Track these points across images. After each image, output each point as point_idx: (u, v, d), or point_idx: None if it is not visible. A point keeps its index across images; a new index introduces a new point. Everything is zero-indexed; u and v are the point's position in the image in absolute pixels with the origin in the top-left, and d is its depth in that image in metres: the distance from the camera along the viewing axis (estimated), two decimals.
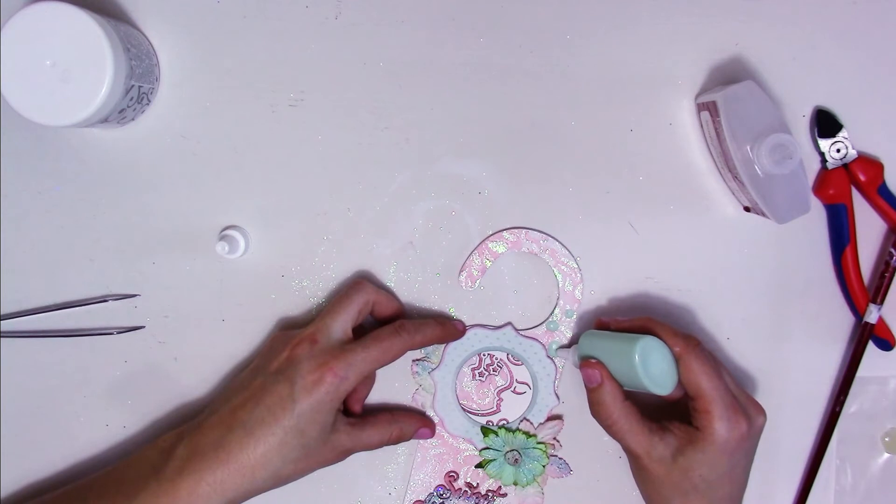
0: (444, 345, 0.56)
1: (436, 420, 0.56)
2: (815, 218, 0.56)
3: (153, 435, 0.56)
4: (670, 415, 0.51)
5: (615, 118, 0.56)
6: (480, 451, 0.56)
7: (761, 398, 0.53)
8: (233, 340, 0.56)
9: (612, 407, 0.50)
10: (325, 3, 0.55)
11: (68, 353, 0.56)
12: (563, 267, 0.56)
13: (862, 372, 0.56)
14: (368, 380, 0.55)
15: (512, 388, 0.57)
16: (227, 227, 0.55)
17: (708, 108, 0.53)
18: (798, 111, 0.56)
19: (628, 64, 0.56)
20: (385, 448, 0.55)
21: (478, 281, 0.56)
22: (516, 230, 0.56)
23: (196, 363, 0.56)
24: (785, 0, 0.56)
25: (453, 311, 0.57)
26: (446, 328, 0.54)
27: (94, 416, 0.56)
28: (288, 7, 0.55)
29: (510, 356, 0.57)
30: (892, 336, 0.56)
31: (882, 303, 0.55)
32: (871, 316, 0.55)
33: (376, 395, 0.53)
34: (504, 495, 0.57)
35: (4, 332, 0.56)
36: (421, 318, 0.56)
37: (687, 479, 0.49)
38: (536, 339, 0.56)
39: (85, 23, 0.48)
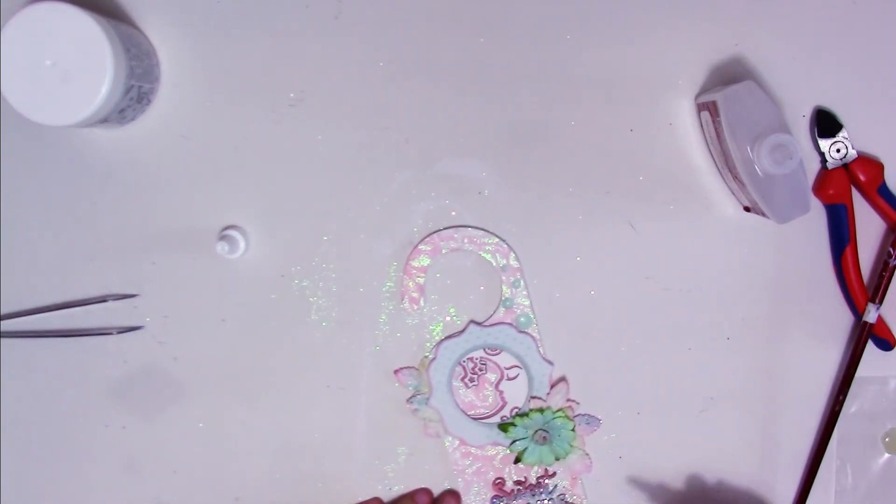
0: (427, 372, 0.56)
1: (456, 442, 0.56)
2: (815, 218, 0.56)
3: (153, 435, 0.56)
4: None
5: (615, 118, 0.56)
6: (509, 446, 0.56)
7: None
8: (233, 340, 0.56)
9: None
10: (325, 3, 0.55)
11: (68, 353, 0.56)
12: (487, 247, 0.56)
13: (862, 372, 0.56)
14: None
15: (505, 377, 0.57)
16: (227, 227, 0.55)
17: (708, 108, 0.53)
18: (798, 111, 0.56)
19: (628, 64, 0.56)
20: (385, 448, 0.55)
21: (421, 300, 0.56)
22: (428, 238, 0.56)
23: (196, 363, 0.56)
24: (785, 0, 0.56)
25: (453, 311, 0.57)
26: None
27: (94, 416, 0.56)
28: (288, 7, 0.55)
29: (486, 350, 0.57)
30: (892, 336, 0.56)
31: (881, 302, 0.55)
32: (871, 315, 0.55)
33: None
34: (553, 475, 0.57)
35: (4, 332, 0.56)
36: None
37: None
38: (502, 322, 0.56)
39: (85, 23, 0.48)
